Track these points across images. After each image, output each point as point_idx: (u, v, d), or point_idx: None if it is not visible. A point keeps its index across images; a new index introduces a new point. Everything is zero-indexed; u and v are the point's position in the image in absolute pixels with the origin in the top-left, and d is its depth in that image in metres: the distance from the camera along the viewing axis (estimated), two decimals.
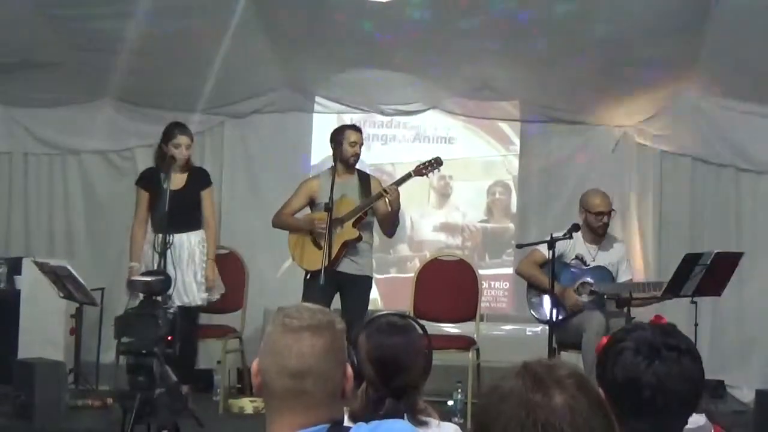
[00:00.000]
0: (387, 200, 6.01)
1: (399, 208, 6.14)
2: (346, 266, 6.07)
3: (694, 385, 2.09)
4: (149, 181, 6.29)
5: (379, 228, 6.38)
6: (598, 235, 6.07)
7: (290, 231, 6.24)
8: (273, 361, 1.97)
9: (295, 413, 1.95)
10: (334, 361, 1.98)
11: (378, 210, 6.19)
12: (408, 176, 6.13)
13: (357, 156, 6.23)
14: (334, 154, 6.19)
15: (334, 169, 6.10)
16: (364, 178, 6.30)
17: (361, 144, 6.27)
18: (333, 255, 5.88)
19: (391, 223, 6.26)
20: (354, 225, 6.06)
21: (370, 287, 6.29)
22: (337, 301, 6.07)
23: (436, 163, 6.14)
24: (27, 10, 6.47)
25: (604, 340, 2.15)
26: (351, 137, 6.18)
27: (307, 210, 6.30)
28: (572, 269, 6.04)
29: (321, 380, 1.95)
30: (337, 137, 6.21)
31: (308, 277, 6.05)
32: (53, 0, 6.50)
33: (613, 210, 6.13)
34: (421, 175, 6.15)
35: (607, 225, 6.07)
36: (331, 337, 1.98)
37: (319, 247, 5.95)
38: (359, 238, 6.08)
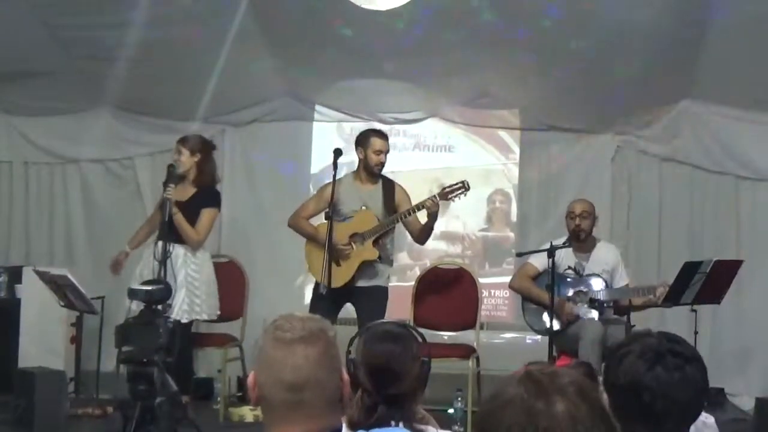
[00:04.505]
0: (427, 213, 5.76)
1: (436, 220, 5.89)
2: (359, 278, 5.90)
3: (695, 393, 2.10)
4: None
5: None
6: (577, 240, 6.05)
7: (306, 238, 6.05)
8: (269, 375, 1.97)
9: (294, 424, 1.95)
10: (330, 368, 1.99)
11: (411, 224, 6.00)
12: (434, 199, 5.77)
13: (382, 165, 5.98)
14: (359, 160, 6.02)
15: (357, 174, 5.92)
16: (389, 188, 6.04)
17: (387, 151, 6.02)
18: (350, 274, 5.80)
19: (425, 236, 6.04)
20: (374, 243, 5.86)
21: (386, 297, 6.01)
22: (346, 312, 6.04)
23: (463, 187, 5.82)
24: (25, 18, 6.49)
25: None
26: (376, 145, 5.94)
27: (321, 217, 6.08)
28: (567, 279, 6.04)
29: (319, 389, 1.96)
30: (362, 142, 6.00)
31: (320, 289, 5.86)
32: (52, 9, 6.51)
33: (596, 217, 6.13)
34: (447, 200, 5.84)
35: (580, 228, 6.05)
36: (324, 345, 1.99)
37: (338, 263, 5.81)
38: (378, 258, 5.89)
